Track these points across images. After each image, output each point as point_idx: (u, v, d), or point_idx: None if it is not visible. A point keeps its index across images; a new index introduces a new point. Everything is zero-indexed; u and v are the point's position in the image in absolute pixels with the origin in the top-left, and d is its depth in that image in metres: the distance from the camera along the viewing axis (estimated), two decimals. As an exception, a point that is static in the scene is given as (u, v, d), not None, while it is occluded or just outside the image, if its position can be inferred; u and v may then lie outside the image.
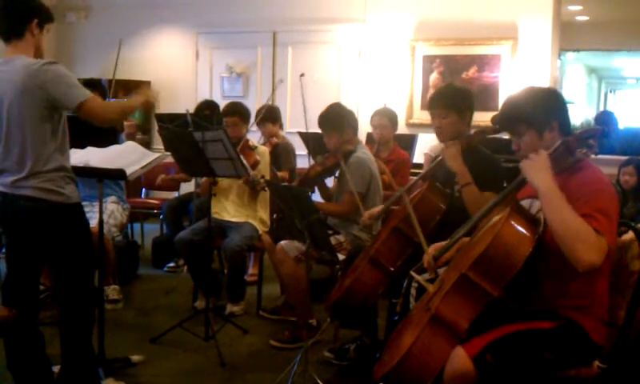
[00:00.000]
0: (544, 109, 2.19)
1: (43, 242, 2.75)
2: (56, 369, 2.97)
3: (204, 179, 4.60)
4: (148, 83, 7.57)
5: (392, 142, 4.79)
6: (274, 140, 5.22)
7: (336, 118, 3.79)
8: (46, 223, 2.71)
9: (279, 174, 4.92)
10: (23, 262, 2.82)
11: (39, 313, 2.89)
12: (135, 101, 3.05)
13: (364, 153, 3.81)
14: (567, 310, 2.12)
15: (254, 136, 5.43)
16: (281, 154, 5.17)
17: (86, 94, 2.69)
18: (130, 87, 7.52)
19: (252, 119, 4.84)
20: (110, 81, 6.83)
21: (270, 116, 5.24)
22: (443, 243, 2.47)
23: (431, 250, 2.47)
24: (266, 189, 4.16)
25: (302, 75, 5.60)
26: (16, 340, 2.79)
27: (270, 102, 5.52)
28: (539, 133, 2.18)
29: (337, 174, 3.92)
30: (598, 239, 1.93)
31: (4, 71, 2.68)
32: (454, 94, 3.20)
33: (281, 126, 5.47)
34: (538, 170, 2.04)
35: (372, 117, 4.82)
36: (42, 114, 2.64)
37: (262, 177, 4.19)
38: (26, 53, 2.71)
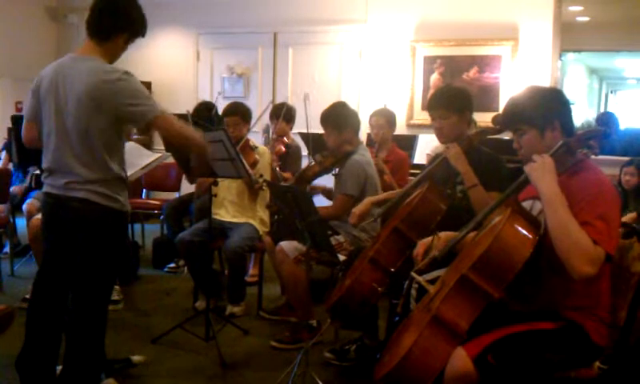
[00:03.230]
0: (546, 108, 2.19)
1: (86, 244, 2.69)
2: (59, 368, 2.98)
3: (200, 179, 4.61)
4: (149, 84, 7.58)
5: (390, 143, 4.80)
6: (286, 139, 5.25)
7: (337, 117, 3.80)
8: (98, 227, 2.67)
9: (284, 174, 4.93)
10: (61, 265, 2.78)
11: (64, 316, 2.87)
12: (199, 139, 2.86)
13: (362, 155, 3.81)
14: (568, 311, 2.11)
15: (255, 137, 5.44)
16: (291, 155, 5.21)
17: (157, 110, 2.67)
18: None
19: (255, 118, 4.87)
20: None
21: (285, 114, 5.29)
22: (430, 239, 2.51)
23: (421, 246, 2.51)
24: (264, 188, 4.17)
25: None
26: (37, 339, 2.77)
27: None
28: (540, 132, 2.18)
29: (335, 172, 3.93)
30: (595, 250, 1.93)
31: (74, 70, 2.63)
32: (454, 95, 3.20)
33: (291, 129, 5.50)
34: (542, 173, 2.04)
35: (370, 117, 4.83)
36: (110, 121, 2.62)
37: (261, 176, 4.19)
38: (103, 56, 2.68)
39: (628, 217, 4.21)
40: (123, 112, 2.62)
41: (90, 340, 2.80)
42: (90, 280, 2.76)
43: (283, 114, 5.28)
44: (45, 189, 2.75)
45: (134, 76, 2.67)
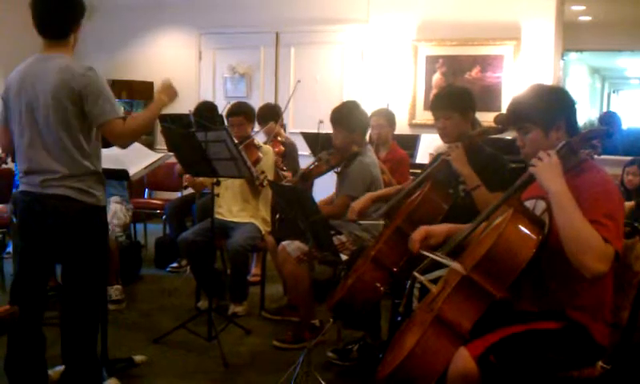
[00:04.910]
0: (552, 108, 2.18)
1: (66, 241, 2.71)
2: (59, 369, 2.98)
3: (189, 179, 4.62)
4: (151, 84, 7.58)
5: (390, 142, 4.80)
6: (281, 139, 5.26)
7: (348, 116, 3.80)
8: (74, 223, 2.69)
9: (284, 173, 4.94)
10: (38, 262, 2.80)
11: (44, 314, 2.89)
12: (152, 112, 2.94)
13: (369, 157, 3.81)
14: (571, 311, 2.11)
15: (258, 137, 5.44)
16: (287, 153, 5.22)
17: (113, 113, 2.66)
18: (132, 88, 7.56)
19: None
20: (113, 81, 6.84)
21: (273, 115, 5.29)
22: (432, 227, 2.54)
23: (419, 232, 2.52)
24: (265, 184, 4.17)
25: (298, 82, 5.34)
26: (20, 340, 2.79)
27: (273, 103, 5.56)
28: (545, 132, 2.17)
29: (337, 170, 3.92)
30: (606, 248, 1.93)
31: (41, 69, 2.64)
32: (456, 95, 3.20)
33: (282, 126, 5.51)
34: (550, 172, 2.03)
35: (369, 117, 4.82)
36: (77, 117, 2.63)
37: (262, 172, 4.18)
38: (66, 52, 2.69)
39: (625, 206, 4.18)
40: (89, 107, 2.62)
41: (84, 337, 2.81)
42: (74, 277, 2.78)
43: (269, 114, 5.30)
44: (21, 188, 2.78)
45: (97, 71, 2.68)
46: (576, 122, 2.22)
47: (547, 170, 2.04)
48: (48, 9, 2.68)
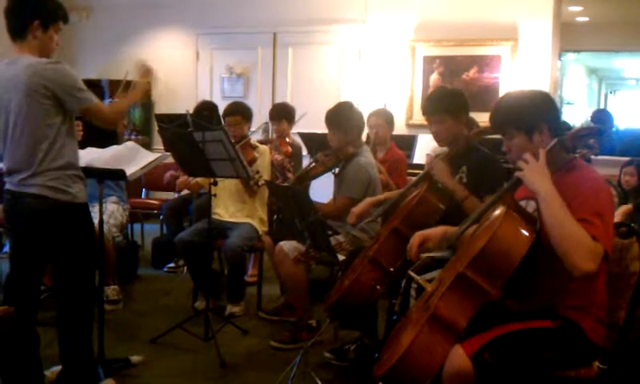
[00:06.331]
0: (532, 111, 2.20)
1: (47, 240, 2.74)
2: (56, 369, 2.98)
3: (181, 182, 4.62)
4: (148, 84, 7.56)
5: (389, 142, 4.80)
6: (288, 140, 5.27)
7: (343, 117, 3.80)
8: (50, 221, 2.71)
9: (288, 174, 4.95)
10: (27, 261, 2.81)
11: (37, 313, 2.89)
12: (132, 97, 3.08)
13: (366, 157, 3.81)
14: (565, 310, 2.12)
15: (254, 136, 5.44)
16: (293, 155, 5.24)
17: (91, 98, 2.71)
18: (130, 88, 7.55)
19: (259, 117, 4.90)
20: (110, 81, 6.82)
21: (287, 114, 5.33)
22: (429, 231, 2.55)
23: (416, 237, 2.52)
24: (260, 184, 4.17)
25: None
26: (12, 339, 2.78)
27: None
28: (528, 135, 2.19)
29: (335, 171, 3.93)
30: (595, 246, 1.93)
31: (10, 71, 2.68)
32: (447, 97, 3.21)
33: (291, 128, 5.54)
34: (537, 174, 2.04)
35: (368, 117, 4.83)
36: (47, 112, 2.64)
37: (257, 172, 4.18)
38: (31, 53, 2.70)
39: (623, 209, 4.17)
40: (60, 97, 2.64)
41: (80, 335, 2.82)
42: (60, 275, 2.80)
43: (284, 113, 5.32)
44: (5, 186, 2.81)
45: (63, 63, 2.70)
46: (559, 123, 2.24)
47: (534, 172, 2.05)
48: (6, 8, 2.72)
